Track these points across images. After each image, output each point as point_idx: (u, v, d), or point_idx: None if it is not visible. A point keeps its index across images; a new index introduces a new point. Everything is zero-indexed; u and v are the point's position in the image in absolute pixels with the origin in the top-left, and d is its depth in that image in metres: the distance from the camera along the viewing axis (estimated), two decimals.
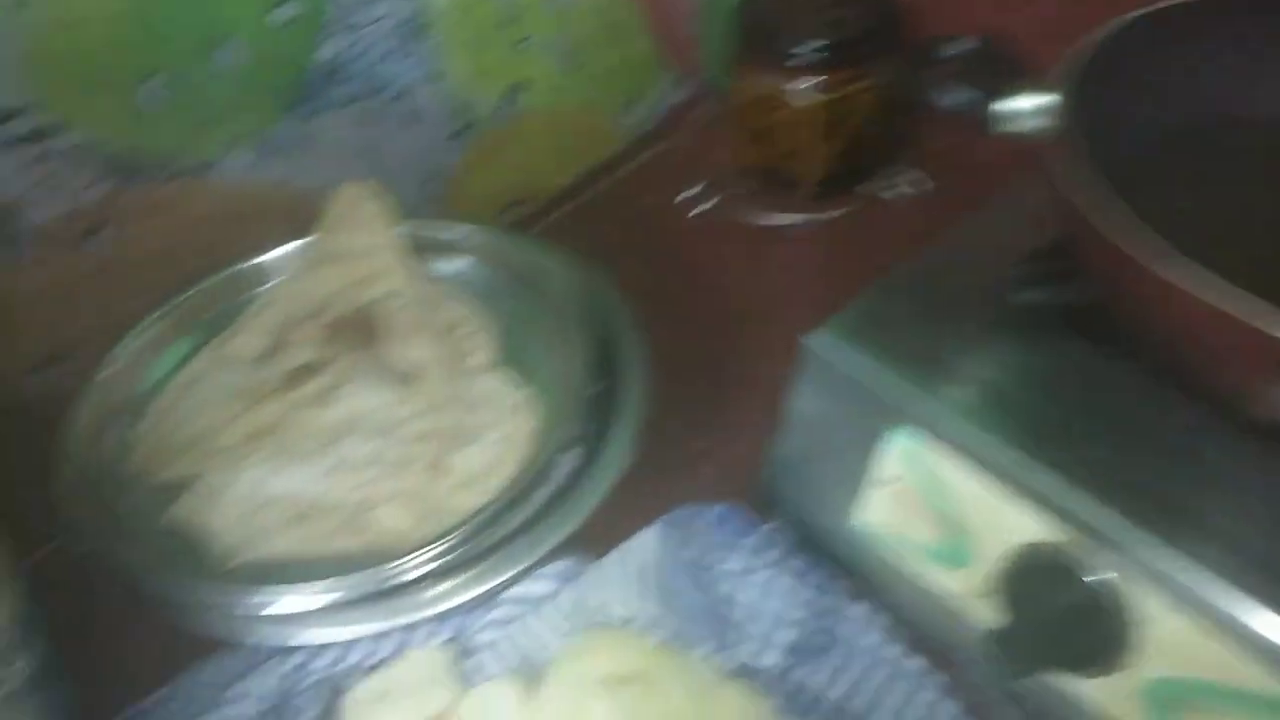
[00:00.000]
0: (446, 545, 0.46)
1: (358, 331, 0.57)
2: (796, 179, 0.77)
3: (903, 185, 0.78)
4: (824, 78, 0.72)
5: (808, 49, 0.71)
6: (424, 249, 0.63)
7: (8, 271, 0.54)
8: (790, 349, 0.67)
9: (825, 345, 0.48)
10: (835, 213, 0.77)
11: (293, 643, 0.47)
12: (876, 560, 0.49)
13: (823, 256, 0.75)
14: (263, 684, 0.48)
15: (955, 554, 0.45)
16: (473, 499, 0.49)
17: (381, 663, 0.49)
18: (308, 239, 0.61)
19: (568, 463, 0.50)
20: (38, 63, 0.50)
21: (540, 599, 0.49)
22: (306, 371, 0.55)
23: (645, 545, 0.51)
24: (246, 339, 0.58)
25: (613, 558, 0.51)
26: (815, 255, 0.75)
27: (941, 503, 0.45)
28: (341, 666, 0.49)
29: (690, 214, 0.78)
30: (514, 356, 0.57)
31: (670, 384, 0.58)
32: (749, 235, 0.77)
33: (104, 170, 0.55)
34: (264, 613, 0.46)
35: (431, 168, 0.71)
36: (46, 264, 0.55)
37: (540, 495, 0.49)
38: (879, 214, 0.77)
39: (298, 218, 0.64)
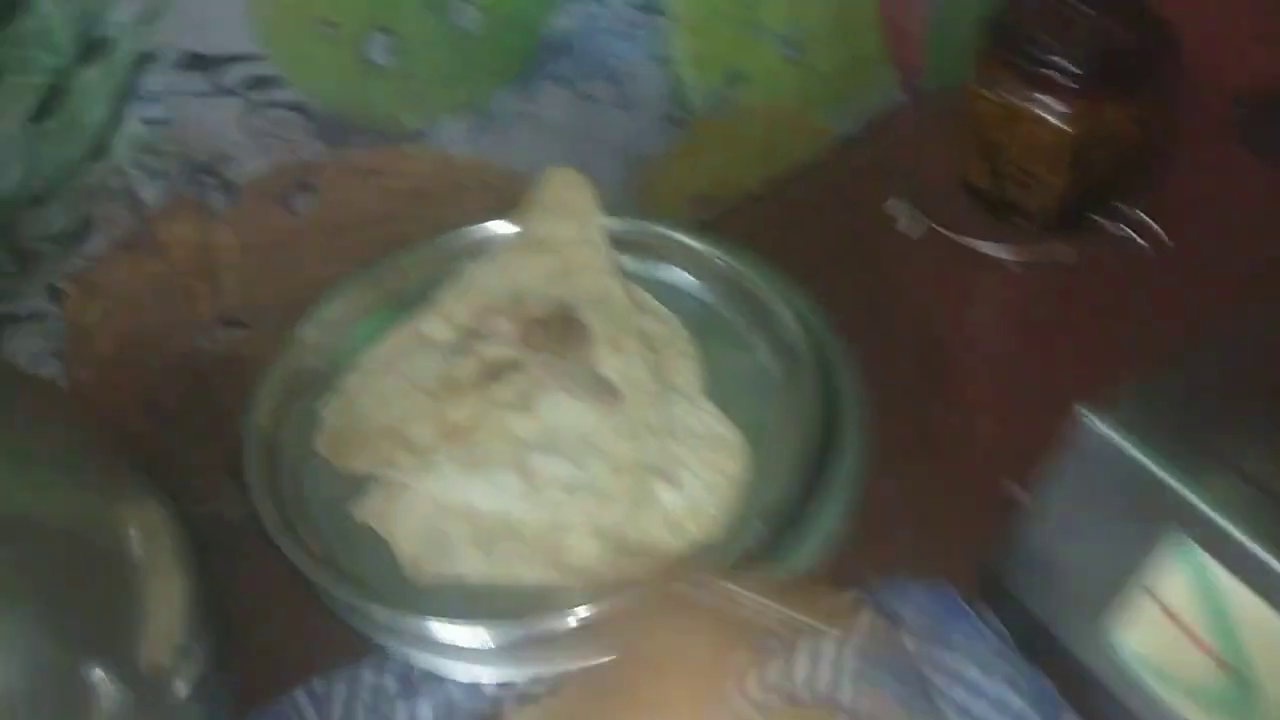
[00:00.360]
0: (641, 594, 0.42)
1: (557, 330, 0.53)
2: (1024, 206, 0.70)
3: (1135, 230, 0.70)
4: (1082, 99, 0.64)
5: (1069, 63, 0.63)
6: (628, 248, 0.58)
7: (210, 221, 0.51)
8: (1010, 405, 0.61)
9: (1108, 423, 0.42)
10: (1063, 251, 0.70)
11: (460, 678, 0.43)
12: (1121, 684, 0.43)
13: (1049, 299, 0.68)
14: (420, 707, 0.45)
15: (1234, 703, 0.39)
16: (671, 543, 0.45)
17: (548, 692, 0.45)
18: (511, 222, 0.57)
19: (776, 520, 0.45)
20: (260, 9, 0.47)
21: None
22: (503, 368, 0.52)
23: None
24: (441, 323, 0.54)
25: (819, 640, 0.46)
26: (1040, 296, 0.68)
27: (1225, 635, 0.39)
28: (508, 692, 0.45)
29: (898, 227, 0.72)
30: (717, 384, 0.52)
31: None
32: (964, 262, 0.70)
33: (317, 130, 0.52)
34: (438, 639, 0.43)
35: (637, 155, 0.66)
36: (248, 219, 0.53)
37: (742, 552, 0.44)
38: (1110, 259, 0.70)
39: (503, 197, 0.60)
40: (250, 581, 0.54)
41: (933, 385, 0.63)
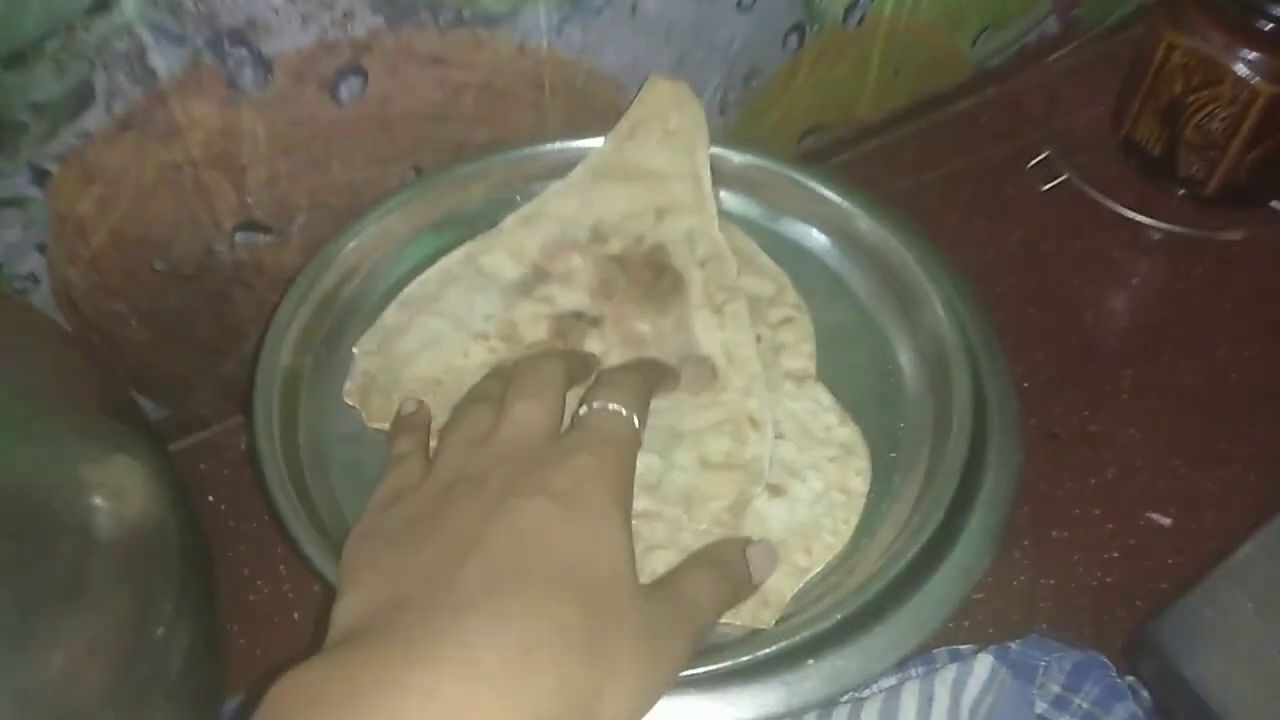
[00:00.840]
0: (733, 655, 0.33)
1: (645, 279, 0.44)
2: (1194, 175, 0.59)
3: None
4: None
5: None
6: (738, 186, 0.48)
7: (238, 102, 0.42)
8: (1159, 411, 0.53)
9: None
10: (1230, 234, 0.59)
11: None
12: None
13: (1211, 288, 0.58)
14: None
15: None
16: (777, 578, 0.36)
17: None
18: (599, 139, 0.47)
19: (907, 559, 0.36)
20: None
21: None
22: (578, 323, 0.42)
23: (969, 677, 0.38)
24: (505, 256, 0.45)
25: (933, 683, 0.38)
26: (1202, 283, 0.58)
27: None
28: None
29: (1043, 188, 0.61)
30: (837, 371, 0.43)
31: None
32: (1115, 233, 0.60)
33: (376, 1, 0.41)
34: None
35: (750, 67, 0.55)
36: (282, 103, 0.43)
37: (871, 597, 0.35)
38: (1277, 247, 0.59)
39: (592, 107, 0.50)
40: (244, 536, 0.46)
41: (1071, 381, 0.53)
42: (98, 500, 0.30)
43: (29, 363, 0.32)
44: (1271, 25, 0.53)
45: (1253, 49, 0.54)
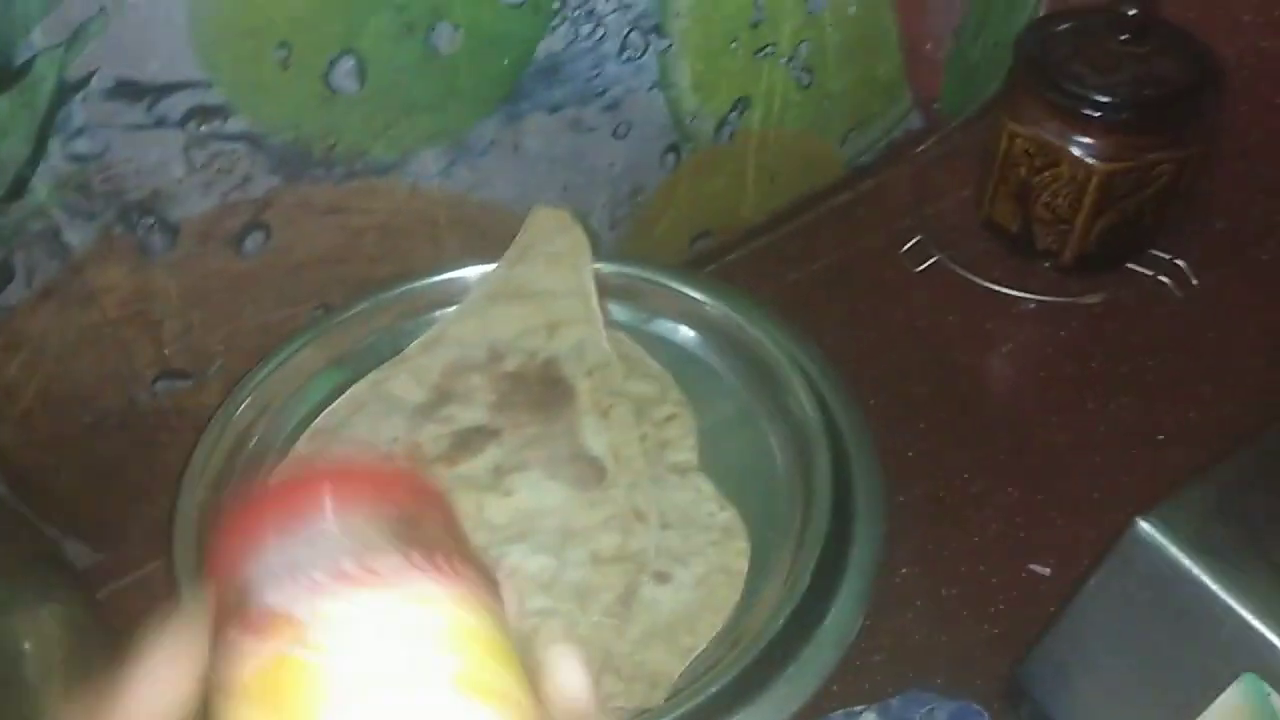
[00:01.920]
0: None
1: (537, 391, 0.48)
2: (1049, 248, 0.64)
3: (1163, 276, 0.64)
4: (1120, 139, 0.59)
5: (1110, 101, 0.58)
6: (619, 295, 0.52)
7: (149, 265, 0.46)
8: (1034, 467, 0.57)
9: (1166, 537, 0.37)
10: (1090, 298, 0.64)
11: None
12: None
13: (1077, 350, 0.63)
14: None
15: None
16: (665, 660, 0.39)
17: None
18: (490, 266, 0.52)
19: (779, 628, 0.39)
20: (206, 31, 0.41)
21: None
22: (477, 436, 0.46)
23: None
24: (409, 380, 0.49)
25: None
26: (1068, 346, 0.63)
27: None
28: None
29: (917, 269, 0.66)
30: (715, 456, 0.46)
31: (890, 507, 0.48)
32: (985, 306, 0.65)
33: (271, 163, 0.46)
34: None
35: (632, 186, 0.60)
36: (190, 262, 0.47)
37: (748, 666, 0.38)
38: (1136, 306, 0.65)
39: (483, 238, 0.54)
40: None
41: (951, 446, 0.58)
42: (26, 646, 0.33)
43: None
44: (1097, 113, 0.59)
45: (1084, 134, 0.59)
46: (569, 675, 0.23)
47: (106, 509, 0.52)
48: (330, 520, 0.22)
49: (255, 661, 0.20)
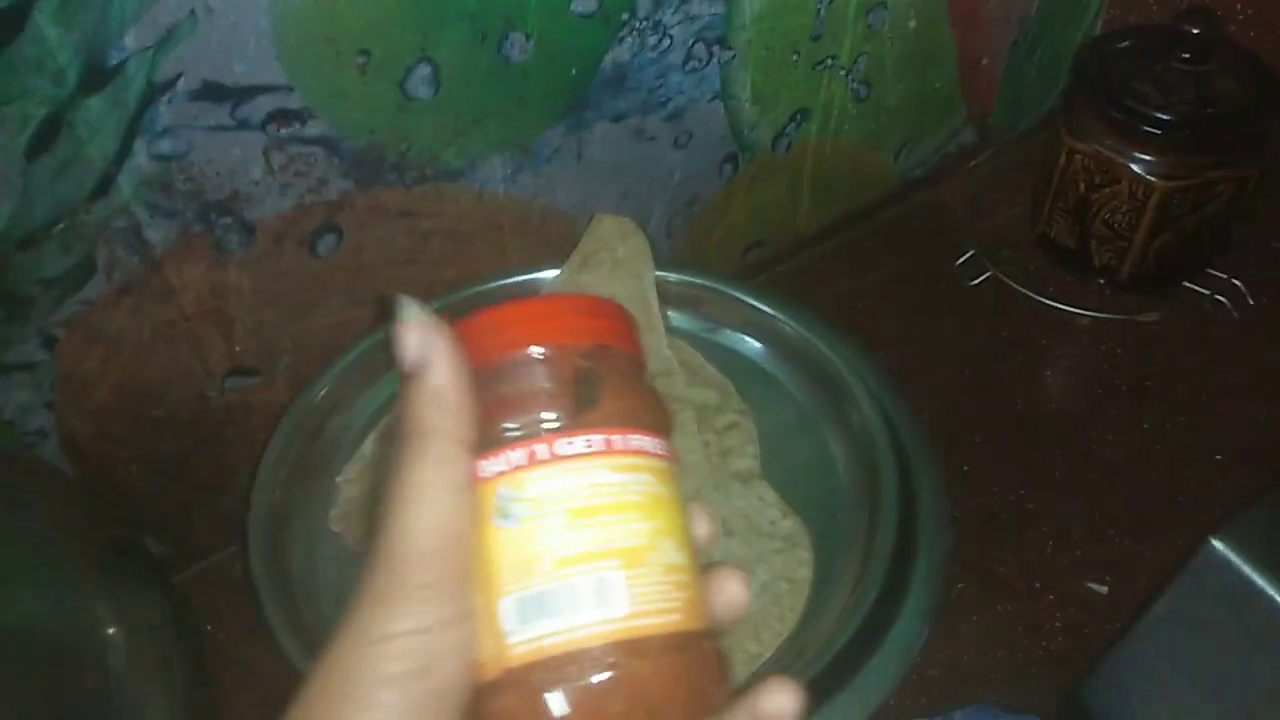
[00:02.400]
0: None
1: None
2: (1106, 265, 0.64)
3: (1220, 295, 0.64)
4: (1181, 157, 0.59)
5: (1171, 119, 0.58)
6: (681, 304, 0.53)
7: (226, 264, 0.46)
8: (1093, 484, 0.57)
9: (1240, 556, 0.36)
10: (1147, 316, 0.64)
11: None
12: None
13: (1133, 367, 0.63)
14: None
15: None
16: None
17: None
18: (553, 271, 0.52)
19: (847, 638, 0.40)
20: (289, 37, 0.42)
21: None
22: None
23: None
24: None
25: None
26: (1124, 364, 0.63)
27: None
28: None
29: (971, 284, 0.66)
30: (777, 466, 0.47)
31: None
32: (1039, 322, 0.65)
33: (345, 167, 0.47)
34: None
35: (690, 195, 0.61)
36: (265, 262, 0.47)
37: (816, 676, 0.38)
38: (1193, 325, 0.64)
39: (546, 244, 0.55)
40: (239, 661, 0.49)
41: (1006, 461, 0.58)
42: (111, 633, 0.33)
43: (45, 514, 0.36)
44: (1158, 130, 0.58)
45: (1144, 151, 0.59)
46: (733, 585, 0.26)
47: (173, 502, 0.52)
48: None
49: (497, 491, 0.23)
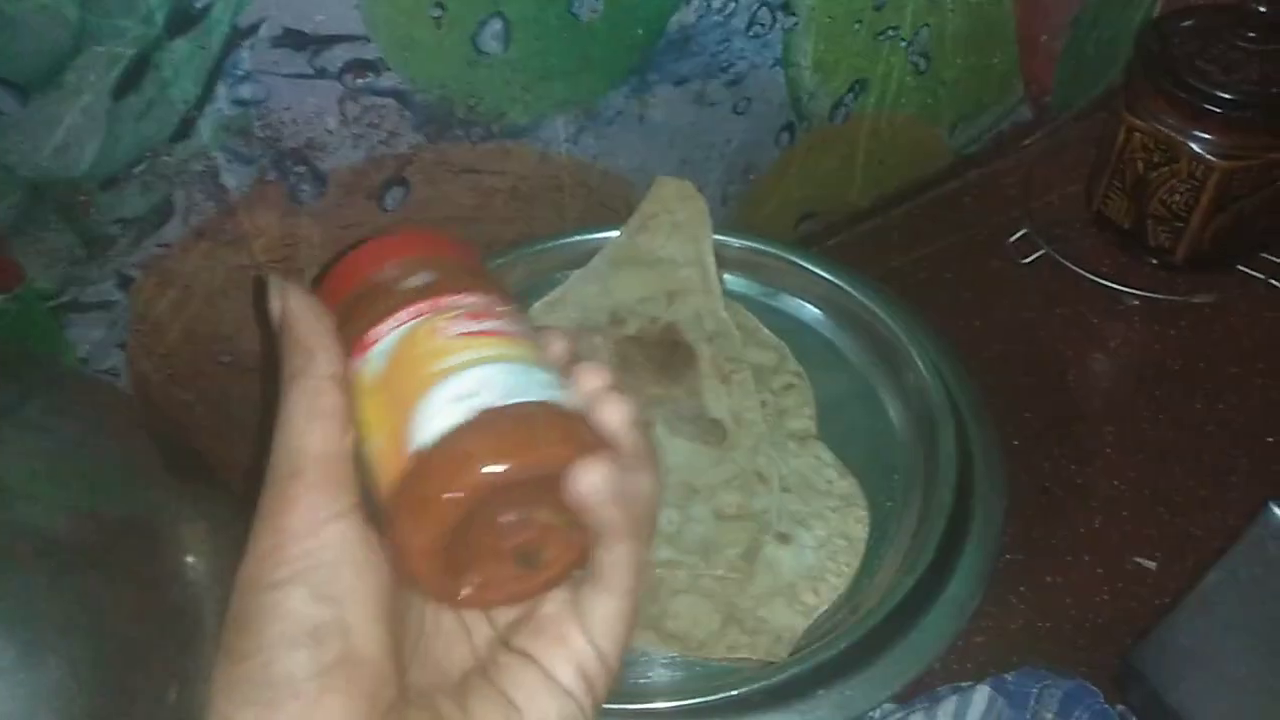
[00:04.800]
0: (750, 684, 0.37)
1: (659, 355, 0.49)
2: (1161, 245, 0.64)
3: (1275, 279, 0.64)
4: (1242, 136, 0.58)
5: (1233, 98, 0.57)
6: (739, 268, 0.53)
7: (297, 212, 0.47)
8: (1140, 461, 0.57)
9: None
10: (1200, 298, 0.64)
11: None
12: None
13: (1185, 349, 0.62)
14: None
15: None
16: (788, 616, 0.40)
17: None
18: (614, 232, 0.53)
19: (904, 594, 0.40)
20: None
21: None
22: None
23: (969, 708, 0.41)
24: None
25: (935, 714, 0.41)
26: (1177, 345, 0.63)
27: None
28: None
29: (1024, 261, 0.66)
30: (833, 428, 0.47)
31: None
32: (1092, 301, 0.64)
33: (416, 121, 0.48)
34: None
35: (746, 163, 0.61)
36: (335, 211, 0.48)
37: (873, 629, 0.39)
38: (1246, 308, 0.64)
39: (606, 204, 0.56)
40: None
41: (1056, 437, 0.58)
42: (189, 560, 0.34)
43: (129, 437, 0.37)
44: (1220, 109, 0.58)
45: (1205, 130, 0.59)
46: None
47: (231, 449, 0.54)
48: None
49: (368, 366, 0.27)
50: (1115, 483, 0.56)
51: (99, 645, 0.30)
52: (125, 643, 0.30)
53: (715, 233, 0.53)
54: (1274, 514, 0.37)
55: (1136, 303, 0.64)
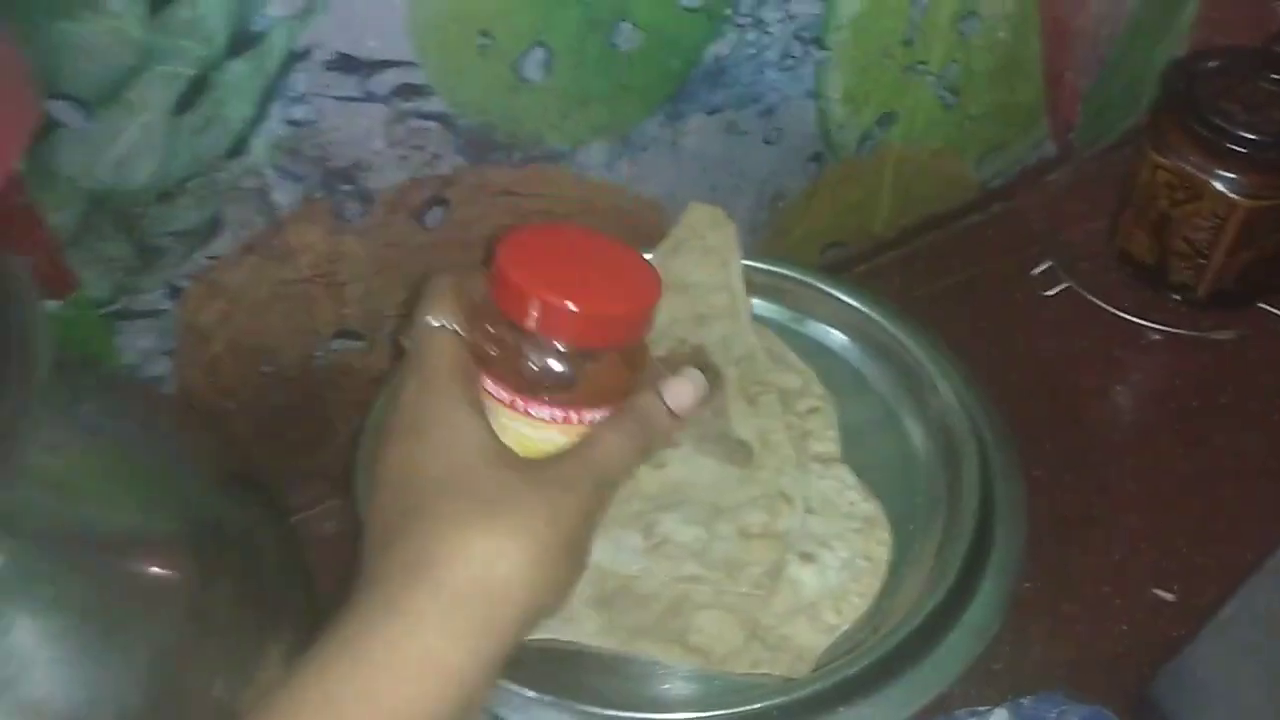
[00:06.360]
0: (771, 698, 0.38)
1: None
2: (1183, 282, 0.65)
3: None
4: (1266, 176, 0.59)
5: (1257, 138, 0.58)
6: (767, 293, 0.54)
7: (343, 230, 0.49)
8: (1160, 495, 0.57)
9: None
10: (1221, 334, 0.65)
11: None
12: None
13: (1206, 384, 0.63)
14: None
15: None
16: (810, 634, 0.41)
17: None
18: (645, 256, 0.54)
19: (925, 615, 0.41)
20: (420, 14, 0.44)
21: None
22: None
23: None
24: None
25: None
26: (1197, 380, 0.63)
27: None
28: None
29: (1046, 294, 0.67)
30: (857, 452, 0.48)
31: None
32: (1113, 335, 0.65)
33: (458, 144, 0.49)
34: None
35: (775, 192, 0.62)
36: (378, 230, 0.50)
37: (893, 649, 0.40)
38: (1267, 345, 0.65)
39: (637, 228, 0.57)
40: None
41: (1077, 468, 0.58)
42: (239, 556, 0.36)
43: (183, 442, 0.39)
44: (1244, 148, 0.59)
45: (1228, 169, 0.60)
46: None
47: (272, 457, 0.55)
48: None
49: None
50: (1135, 515, 0.57)
51: (157, 644, 0.31)
52: (182, 642, 0.31)
53: (744, 259, 0.54)
54: None
55: (1158, 337, 0.65)
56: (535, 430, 0.34)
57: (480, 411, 0.34)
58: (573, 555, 0.33)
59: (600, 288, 0.34)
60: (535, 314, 0.33)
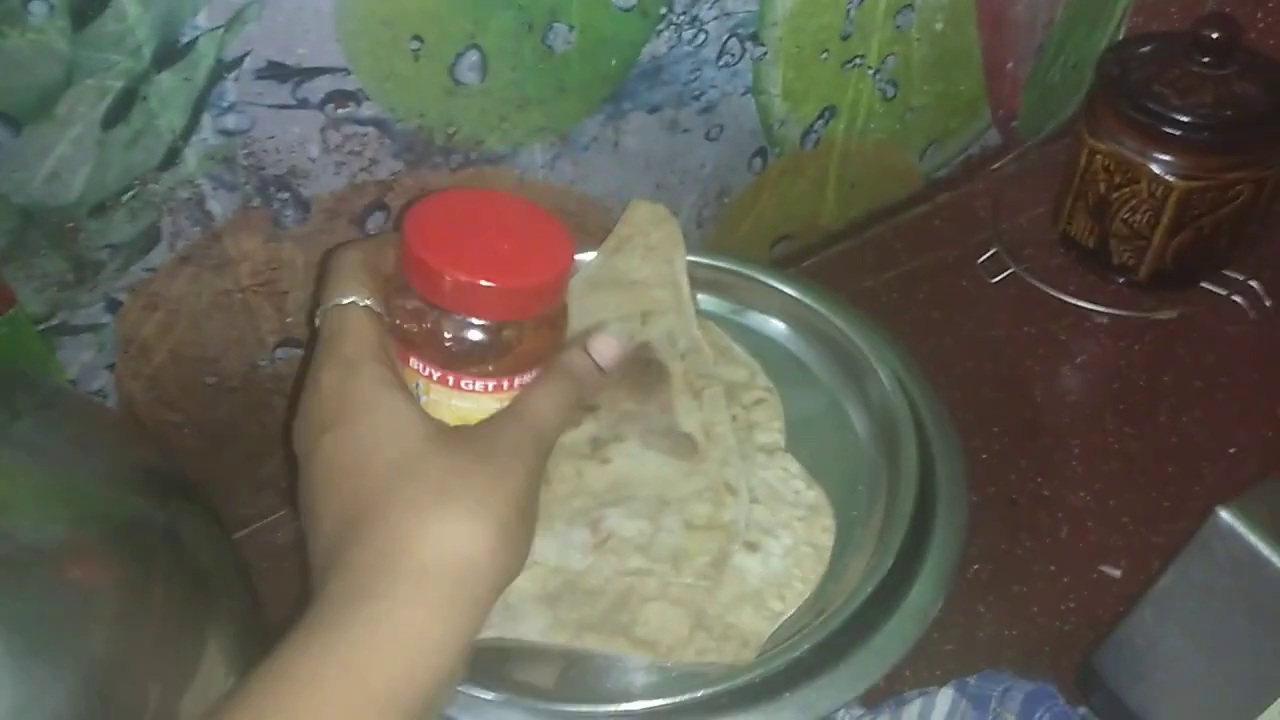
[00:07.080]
0: (716, 686, 0.38)
1: (633, 371, 0.50)
2: (1125, 264, 0.66)
3: (1236, 295, 0.66)
4: (1200, 157, 0.60)
5: (1190, 120, 0.59)
6: (710, 288, 0.55)
7: (281, 237, 0.49)
8: (1105, 472, 0.58)
9: (1246, 526, 0.38)
10: (1164, 314, 0.66)
11: None
12: None
13: (1150, 363, 0.64)
14: None
15: None
16: (755, 621, 0.41)
17: None
18: (589, 255, 0.54)
19: (865, 598, 0.41)
20: (349, 21, 0.44)
21: None
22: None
23: (932, 710, 0.43)
24: None
25: (900, 716, 0.43)
26: (1141, 360, 0.64)
27: None
28: None
29: (993, 281, 0.68)
30: (801, 441, 0.49)
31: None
32: (1059, 318, 0.66)
33: (396, 148, 0.49)
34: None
35: (720, 188, 0.63)
36: (317, 237, 0.50)
37: (835, 632, 0.40)
38: (1209, 323, 0.66)
39: (581, 228, 0.57)
40: (283, 625, 0.51)
41: (1024, 450, 0.59)
42: (176, 571, 0.36)
43: (124, 457, 0.39)
44: (1178, 131, 0.60)
45: (1163, 152, 0.61)
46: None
47: (219, 467, 0.55)
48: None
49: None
50: (1081, 494, 0.57)
51: (88, 654, 0.31)
52: (115, 651, 0.31)
53: (689, 254, 0.54)
54: (1222, 518, 0.39)
55: (1102, 319, 0.66)
56: (467, 401, 0.35)
57: (406, 391, 0.34)
58: (526, 518, 0.34)
59: (514, 257, 0.35)
60: (451, 293, 0.33)
